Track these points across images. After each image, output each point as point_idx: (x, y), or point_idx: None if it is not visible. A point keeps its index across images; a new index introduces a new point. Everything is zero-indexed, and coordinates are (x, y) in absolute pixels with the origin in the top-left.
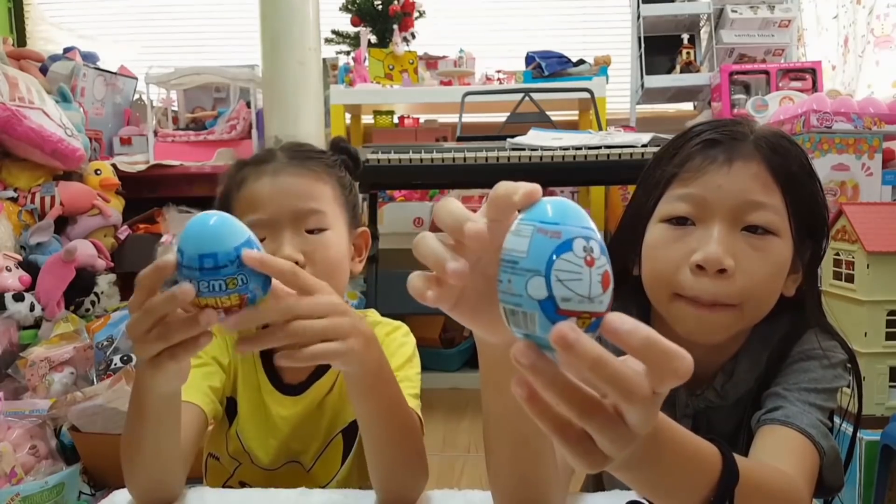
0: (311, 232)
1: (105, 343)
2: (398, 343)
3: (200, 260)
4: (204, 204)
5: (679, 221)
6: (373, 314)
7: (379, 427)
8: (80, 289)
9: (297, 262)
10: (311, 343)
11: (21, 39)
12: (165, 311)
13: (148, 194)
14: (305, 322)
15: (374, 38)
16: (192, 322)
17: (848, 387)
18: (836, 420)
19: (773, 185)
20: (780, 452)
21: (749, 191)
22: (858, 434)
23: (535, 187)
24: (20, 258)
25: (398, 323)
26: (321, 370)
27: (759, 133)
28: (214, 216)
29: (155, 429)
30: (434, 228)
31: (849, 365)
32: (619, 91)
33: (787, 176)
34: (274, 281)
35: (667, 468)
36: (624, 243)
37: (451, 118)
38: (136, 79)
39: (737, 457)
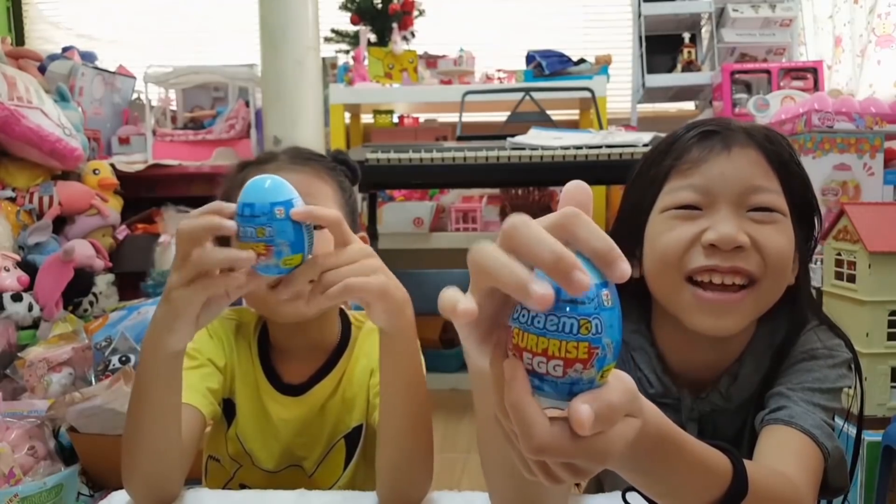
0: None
1: (103, 343)
2: None
3: (241, 208)
4: (202, 203)
5: (686, 208)
6: None
7: (401, 404)
8: (78, 289)
9: None
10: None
11: (19, 39)
12: (215, 266)
13: (146, 194)
14: (334, 271)
15: (373, 37)
16: (230, 258)
17: (851, 387)
18: (839, 421)
19: (770, 171)
20: (783, 454)
21: (751, 176)
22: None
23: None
24: (18, 258)
25: None
26: (322, 373)
27: (747, 125)
28: (269, 179)
29: (157, 412)
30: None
31: (853, 364)
32: (620, 90)
33: (780, 163)
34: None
35: (673, 476)
36: (620, 246)
37: (451, 117)
38: (134, 78)
39: (747, 466)
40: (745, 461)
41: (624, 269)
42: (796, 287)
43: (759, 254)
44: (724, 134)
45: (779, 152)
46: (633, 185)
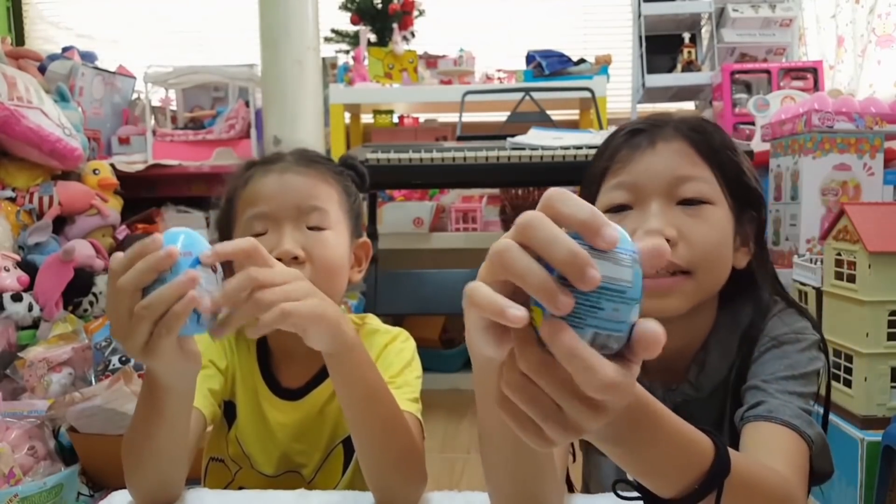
0: (312, 229)
1: (103, 343)
2: (397, 350)
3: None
4: (202, 203)
5: (618, 209)
6: (371, 320)
7: (362, 418)
8: (78, 289)
9: (296, 257)
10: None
11: (19, 39)
12: (170, 303)
13: (146, 194)
14: (266, 290)
15: (373, 37)
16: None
17: (823, 367)
18: (819, 408)
19: (697, 159)
20: (768, 450)
21: (676, 166)
22: (861, 435)
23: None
24: (18, 258)
25: (397, 330)
26: (321, 377)
27: (678, 118)
28: (182, 234)
29: (168, 424)
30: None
31: (822, 345)
32: (620, 90)
33: (709, 150)
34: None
35: (653, 449)
36: None
37: (451, 117)
38: (134, 78)
39: (732, 452)
40: (734, 451)
41: (610, 234)
42: (753, 271)
43: (688, 247)
44: (651, 131)
45: (708, 140)
46: (582, 183)
